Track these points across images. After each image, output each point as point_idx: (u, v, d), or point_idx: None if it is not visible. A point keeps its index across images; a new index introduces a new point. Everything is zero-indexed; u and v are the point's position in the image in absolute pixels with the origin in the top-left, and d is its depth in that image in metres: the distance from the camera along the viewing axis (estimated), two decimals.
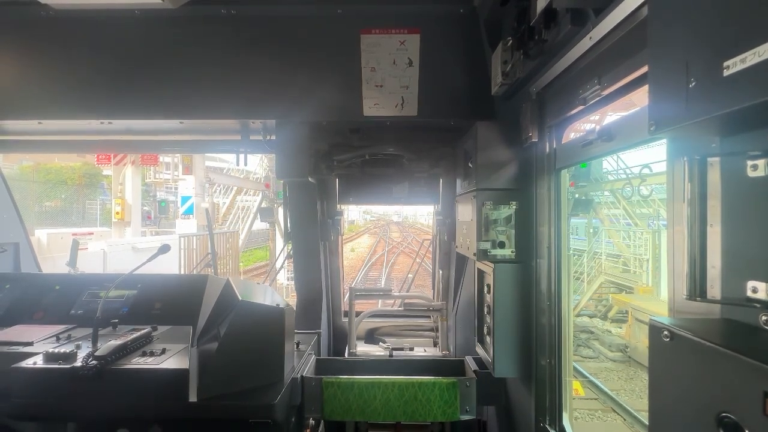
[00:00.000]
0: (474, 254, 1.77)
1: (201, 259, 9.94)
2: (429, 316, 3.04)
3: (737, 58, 0.58)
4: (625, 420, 6.33)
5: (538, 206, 1.67)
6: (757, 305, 0.70)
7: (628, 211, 12.66)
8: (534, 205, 1.68)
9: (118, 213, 12.18)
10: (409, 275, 4.11)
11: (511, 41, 1.59)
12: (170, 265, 9.29)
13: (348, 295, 2.73)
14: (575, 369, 7.63)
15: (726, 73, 0.60)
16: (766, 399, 0.56)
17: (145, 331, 1.81)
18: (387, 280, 14.24)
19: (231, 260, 11.84)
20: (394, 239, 27.99)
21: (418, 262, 4.29)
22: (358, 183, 2.67)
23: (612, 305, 10.94)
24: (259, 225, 18.59)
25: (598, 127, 1.23)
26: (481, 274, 1.95)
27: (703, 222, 0.80)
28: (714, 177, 0.78)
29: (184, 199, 12.97)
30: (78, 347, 1.66)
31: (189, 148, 2.71)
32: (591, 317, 11.24)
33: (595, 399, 6.94)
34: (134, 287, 2.06)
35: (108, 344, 1.60)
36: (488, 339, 1.84)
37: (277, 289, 9.96)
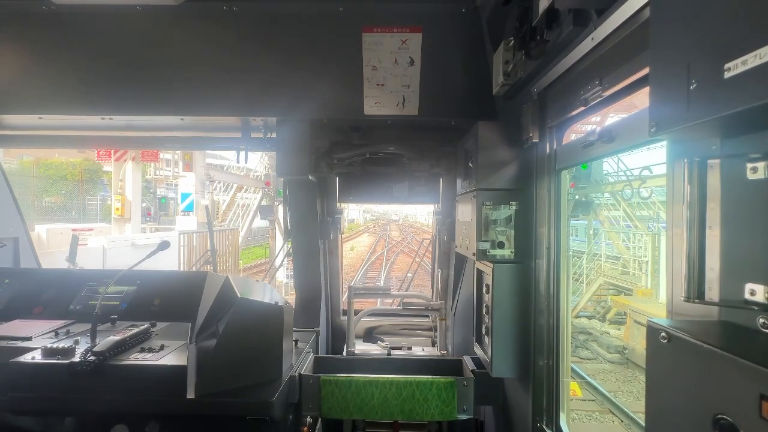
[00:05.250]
0: (473, 254, 1.77)
1: (200, 256, 9.94)
2: (428, 316, 3.05)
3: (738, 60, 0.58)
4: (622, 422, 6.33)
5: (538, 207, 1.67)
6: (755, 308, 0.70)
7: (628, 213, 12.67)
8: (534, 205, 1.68)
9: (118, 209, 12.16)
10: (408, 274, 4.11)
11: (512, 41, 1.59)
12: (170, 262, 9.29)
13: (347, 293, 2.74)
14: (573, 370, 7.64)
15: (727, 75, 0.60)
16: (762, 401, 0.56)
17: (143, 327, 1.81)
18: (386, 280, 14.24)
19: (230, 258, 11.84)
20: (394, 238, 28.00)
21: (418, 261, 4.29)
22: (359, 181, 2.67)
23: (611, 307, 10.95)
24: (259, 223, 18.60)
25: (599, 128, 1.23)
26: (480, 274, 1.95)
27: (702, 224, 0.80)
28: (714, 179, 0.78)
29: (184, 196, 12.95)
30: (76, 342, 1.67)
31: (190, 144, 2.71)
32: (589, 319, 11.25)
33: (593, 400, 6.95)
34: (133, 283, 2.06)
35: (106, 340, 1.60)
36: (486, 339, 1.84)
37: (276, 286, 9.96)
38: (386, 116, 2.13)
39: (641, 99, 0.96)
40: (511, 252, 1.72)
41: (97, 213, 19.63)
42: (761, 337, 0.68)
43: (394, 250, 21.51)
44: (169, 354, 1.64)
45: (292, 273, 3.62)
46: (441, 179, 2.77)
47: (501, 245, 1.72)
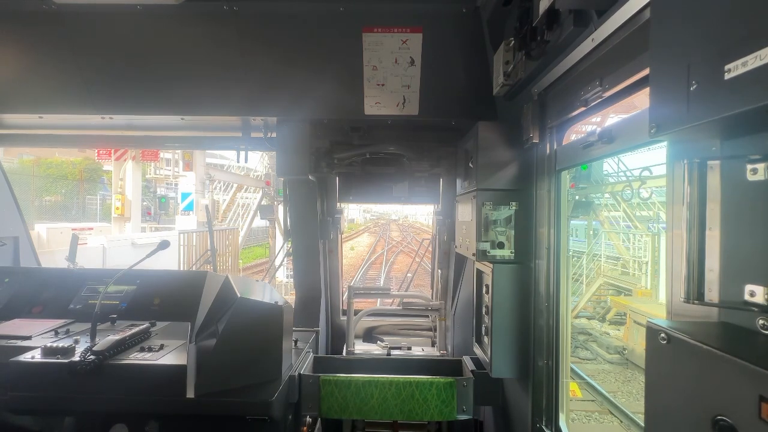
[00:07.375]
0: (473, 254, 1.77)
1: (200, 255, 9.94)
2: (427, 316, 3.05)
3: (738, 62, 0.58)
4: (621, 422, 6.33)
5: (538, 207, 1.67)
6: (755, 309, 0.70)
7: (628, 214, 12.67)
8: (534, 206, 1.68)
9: (118, 208, 12.16)
10: (408, 274, 4.11)
11: (513, 41, 1.59)
12: (170, 262, 9.29)
13: (347, 293, 2.74)
14: (573, 370, 7.64)
15: (727, 76, 0.60)
16: (761, 402, 0.56)
17: (143, 326, 1.81)
18: (386, 279, 14.24)
19: (230, 257, 11.83)
20: (394, 238, 28.02)
21: (418, 261, 4.29)
22: (359, 181, 2.68)
23: (610, 307, 10.95)
24: (259, 222, 18.59)
25: (599, 129, 1.23)
26: (480, 274, 1.95)
27: (702, 225, 0.80)
28: (714, 180, 0.78)
29: (185, 196, 12.96)
30: (76, 342, 1.67)
31: (190, 144, 2.71)
32: (589, 319, 11.24)
33: (592, 401, 6.95)
34: (133, 283, 2.06)
35: (106, 339, 1.60)
36: (486, 339, 1.84)
37: (276, 286, 9.98)
38: (386, 116, 2.13)
39: (641, 100, 0.96)
40: (510, 252, 1.72)
41: (97, 212, 19.63)
42: (761, 339, 0.68)
43: (393, 250, 21.50)
44: (169, 354, 1.64)
45: (292, 273, 3.62)
46: (441, 179, 2.77)
47: (501, 245, 1.72)
